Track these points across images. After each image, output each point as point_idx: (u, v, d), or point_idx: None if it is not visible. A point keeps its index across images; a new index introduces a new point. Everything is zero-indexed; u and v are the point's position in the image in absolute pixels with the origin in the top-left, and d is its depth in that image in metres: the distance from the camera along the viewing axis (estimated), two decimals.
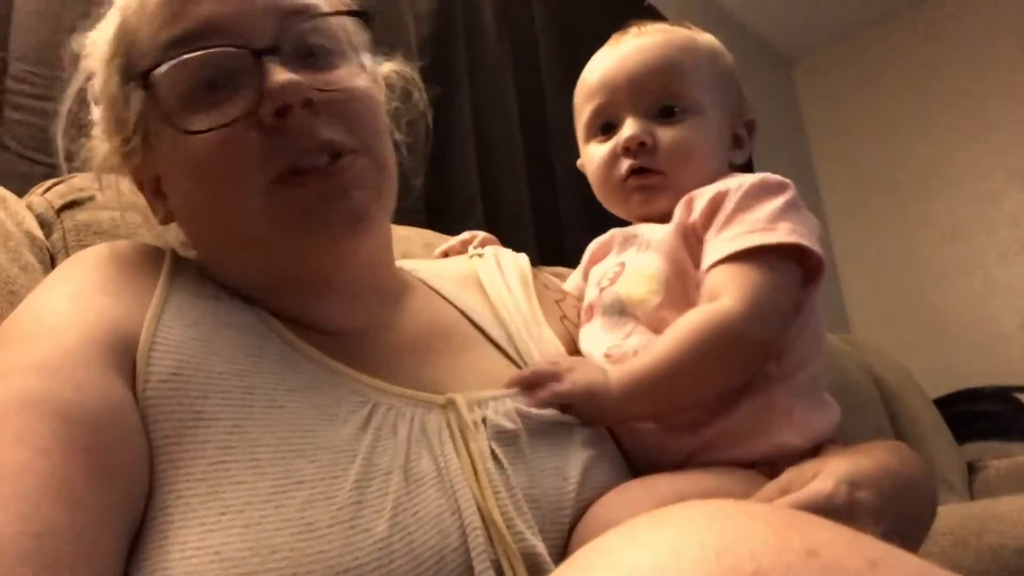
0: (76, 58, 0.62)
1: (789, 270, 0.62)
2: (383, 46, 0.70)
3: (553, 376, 0.60)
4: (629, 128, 0.70)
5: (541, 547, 0.50)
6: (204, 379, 0.50)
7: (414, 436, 0.53)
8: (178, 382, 0.49)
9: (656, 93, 0.70)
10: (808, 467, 0.56)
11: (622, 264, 0.70)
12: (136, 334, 0.51)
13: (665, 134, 0.69)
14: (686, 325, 0.61)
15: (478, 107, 1.74)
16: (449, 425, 0.54)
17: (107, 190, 0.71)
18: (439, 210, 1.51)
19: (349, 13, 0.61)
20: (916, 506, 0.58)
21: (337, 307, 0.61)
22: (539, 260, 1.54)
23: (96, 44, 0.61)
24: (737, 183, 0.66)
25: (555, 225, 1.86)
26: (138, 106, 0.57)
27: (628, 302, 0.67)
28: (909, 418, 2.02)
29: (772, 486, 0.55)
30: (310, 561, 0.43)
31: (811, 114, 3.64)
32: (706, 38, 0.76)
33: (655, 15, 2.60)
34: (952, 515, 1.21)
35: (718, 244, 0.63)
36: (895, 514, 0.53)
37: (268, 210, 0.54)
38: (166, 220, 0.62)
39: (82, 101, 0.64)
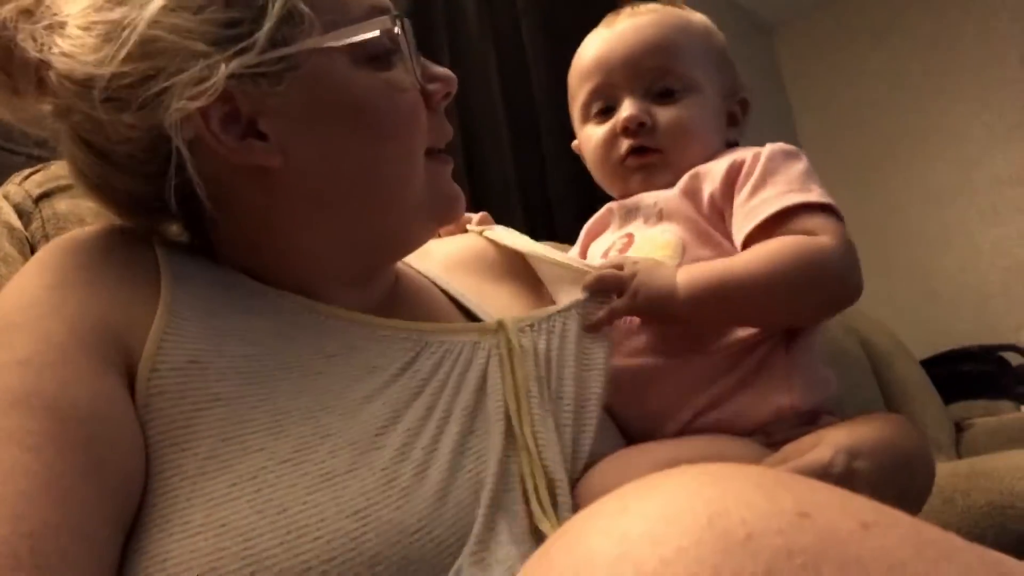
0: None
1: (843, 227, 0.63)
2: None
3: (617, 284, 0.61)
4: (628, 108, 0.70)
5: (563, 476, 0.53)
6: (226, 363, 0.49)
7: (456, 372, 0.55)
8: (195, 369, 0.49)
9: (653, 72, 0.70)
10: (807, 439, 0.57)
11: (629, 235, 0.70)
12: (132, 324, 0.50)
13: (663, 113, 0.70)
14: (779, 244, 0.60)
15: (460, 87, 1.72)
16: (499, 349, 0.56)
17: None
18: None
19: None
20: (912, 477, 0.59)
21: (339, 290, 0.61)
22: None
23: None
24: (751, 153, 0.67)
25: (544, 203, 1.85)
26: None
27: None
28: (897, 379, 2.04)
29: (772, 459, 0.56)
30: (321, 511, 0.43)
31: (792, 81, 3.63)
32: (699, 18, 0.76)
33: None
34: (940, 473, 1.21)
35: (762, 204, 0.63)
36: (892, 484, 0.54)
37: (427, 182, 0.60)
38: (239, 167, 0.54)
39: None
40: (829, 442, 0.54)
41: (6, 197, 0.80)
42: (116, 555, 0.42)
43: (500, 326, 0.58)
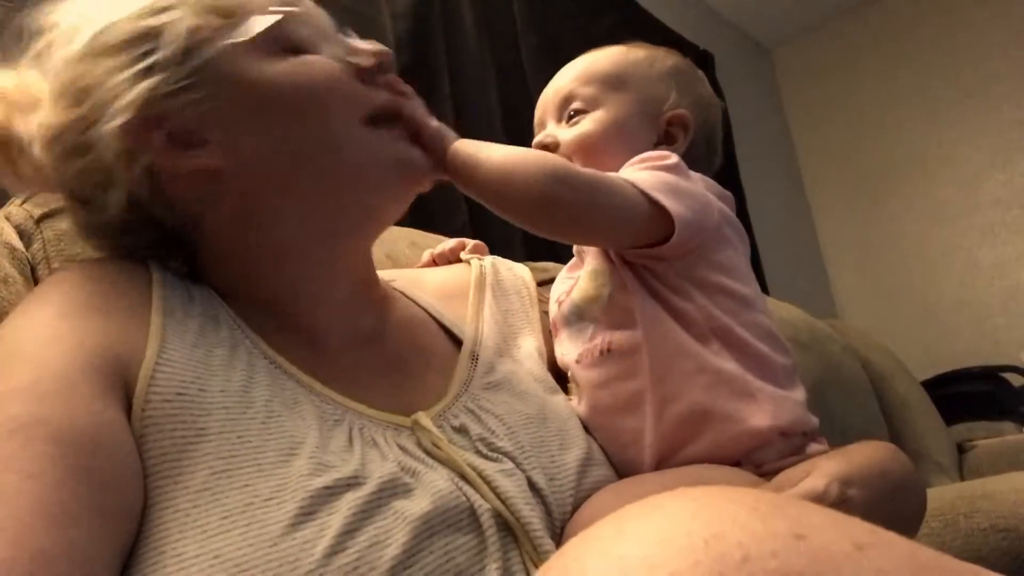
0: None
1: (637, 200, 0.64)
2: None
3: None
4: (538, 136, 0.77)
5: (531, 516, 0.52)
6: (208, 397, 0.50)
7: (395, 448, 0.54)
8: (182, 401, 0.49)
9: (567, 98, 0.77)
10: (799, 467, 0.58)
11: (576, 277, 0.73)
12: (129, 355, 0.50)
13: (566, 133, 0.75)
14: (541, 153, 0.67)
15: (459, 105, 1.74)
16: (421, 444, 0.55)
17: None
18: (423, 208, 1.50)
19: None
20: (906, 504, 0.60)
21: (332, 314, 0.62)
22: (527, 256, 1.54)
23: None
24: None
25: None
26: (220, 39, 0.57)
27: (583, 304, 0.70)
28: (898, 401, 2.03)
29: (766, 488, 0.56)
30: (312, 546, 0.43)
31: (792, 101, 3.66)
32: (643, 50, 0.80)
33: (633, 8, 2.60)
34: (942, 496, 1.21)
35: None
36: (885, 512, 0.54)
37: (370, 147, 0.60)
38: (194, 179, 0.58)
39: None
40: (822, 471, 0.54)
41: (7, 218, 0.80)
42: None
43: (415, 423, 0.57)
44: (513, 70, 1.95)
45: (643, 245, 0.65)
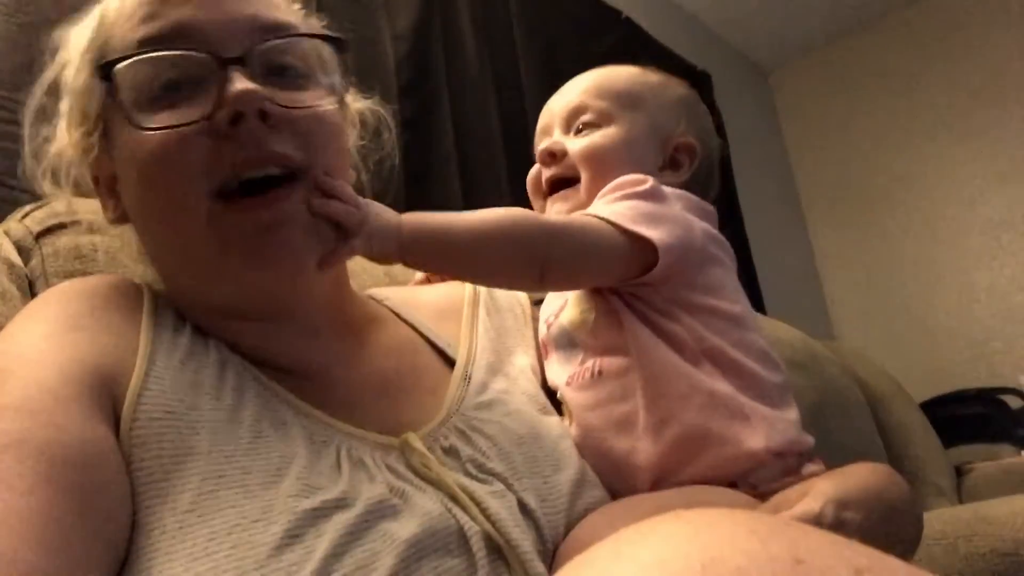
0: (54, 50, 0.63)
1: (616, 239, 0.64)
2: (361, 66, 0.71)
3: (351, 221, 0.57)
4: (545, 141, 0.77)
5: (519, 536, 0.51)
6: (196, 416, 0.50)
7: (384, 470, 0.53)
8: (170, 420, 0.49)
9: (572, 111, 0.77)
10: (795, 489, 0.57)
11: (566, 299, 0.73)
12: (119, 373, 0.50)
13: (575, 143, 0.76)
14: (505, 210, 0.64)
15: (459, 125, 1.74)
16: (410, 465, 0.54)
17: (86, 213, 0.71)
18: None
19: (324, 38, 0.61)
20: (902, 527, 0.59)
21: (296, 343, 0.61)
22: None
23: (74, 36, 0.62)
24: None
25: None
26: (101, 98, 0.58)
27: (572, 328, 0.70)
28: (896, 423, 2.02)
29: (761, 509, 0.55)
30: (298, 569, 0.43)
31: (789, 123, 3.67)
32: (658, 75, 0.81)
33: (632, 28, 2.62)
34: (941, 519, 1.21)
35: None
36: (881, 534, 0.54)
37: (212, 233, 0.53)
38: (118, 220, 0.63)
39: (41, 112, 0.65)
40: (818, 493, 0.54)
41: (7, 233, 0.80)
42: None
43: (404, 443, 0.55)
44: (513, 89, 1.96)
45: (630, 277, 0.65)
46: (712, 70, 3.00)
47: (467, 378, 0.66)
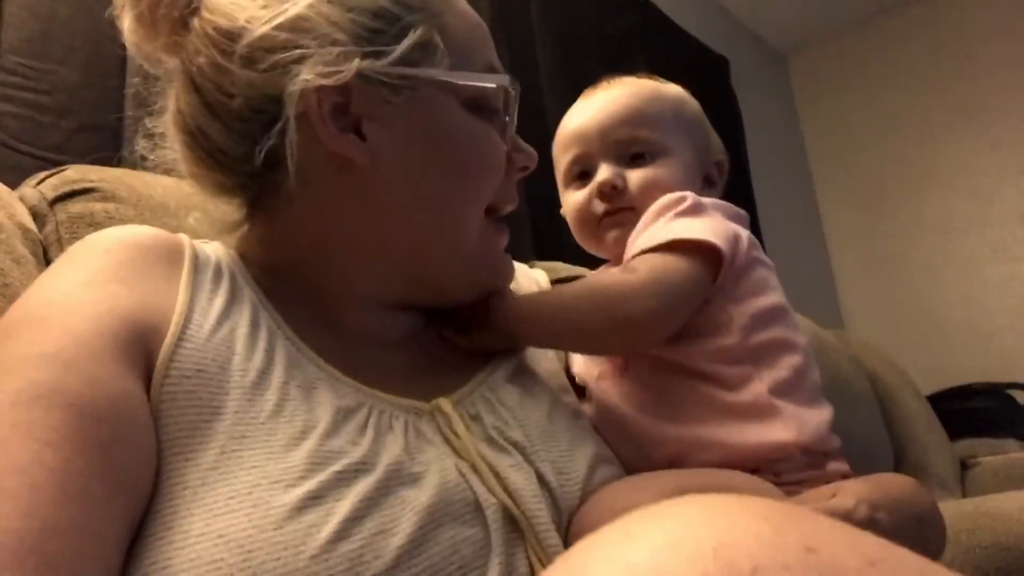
0: None
1: (691, 262, 0.65)
2: None
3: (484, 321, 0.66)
4: (603, 173, 0.76)
5: (538, 507, 0.52)
6: (226, 376, 0.50)
7: (411, 435, 0.54)
8: (201, 378, 0.49)
9: (625, 141, 0.76)
10: (824, 488, 0.58)
11: None
12: (154, 327, 0.50)
13: (635, 175, 0.75)
14: (592, 282, 0.68)
15: None
16: (439, 430, 0.55)
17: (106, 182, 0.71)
18: None
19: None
20: (927, 539, 0.60)
21: (372, 319, 0.63)
22: (536, 255, 1.53)
23: None
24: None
25: (553, 222, 1.86)
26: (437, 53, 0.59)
27: None
28: (902, 415, 2.02)
29: (791, 503, 0.56)
30: (318, 531, 0.43)
31: (806, 110, 3.64)
32: (672, 88, 0.82)
33: (651, 11, 2.60)
34: (945, 513, 1.21)
35: (631, 248, 0.70)
36: (908, 543, 0.54)
37: (482, 238, 0.63)
38: (327, 158, 0.58)
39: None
40: (851, 492, 0.55)
41: (22, 199, 0.80)
42: (121, 557, 0.42)
43: (436, 408, 0.57)
44: (529, 69, 1.95)
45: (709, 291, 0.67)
46: (730, 55, 2.98)
47: (497, 355, 0.67)
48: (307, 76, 0.54)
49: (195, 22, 0.58)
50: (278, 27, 0.55)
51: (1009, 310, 3.01)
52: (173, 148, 0.63)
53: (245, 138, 0.58)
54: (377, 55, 0.56)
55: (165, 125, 0.63)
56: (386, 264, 0.61)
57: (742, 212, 0.75)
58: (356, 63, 0.55)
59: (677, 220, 0.68)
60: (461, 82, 0.60)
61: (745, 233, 0.71)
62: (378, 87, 0.57)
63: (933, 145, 3.24)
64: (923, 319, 3.17)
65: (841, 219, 3.46)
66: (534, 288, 0.82)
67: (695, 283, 0.65)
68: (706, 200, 0.72)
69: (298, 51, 0.55)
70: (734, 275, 0.67)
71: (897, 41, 3.37)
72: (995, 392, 2.53)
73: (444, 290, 0.65)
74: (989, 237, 3.09)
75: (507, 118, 0.64)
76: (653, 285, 0.63)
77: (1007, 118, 3.07)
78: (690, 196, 0.70)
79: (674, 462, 0.64)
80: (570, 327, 0.65)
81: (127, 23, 0.60)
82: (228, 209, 0.65)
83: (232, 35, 0.55)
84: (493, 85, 0.62)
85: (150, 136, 0.64)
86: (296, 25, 0.55)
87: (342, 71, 0.54)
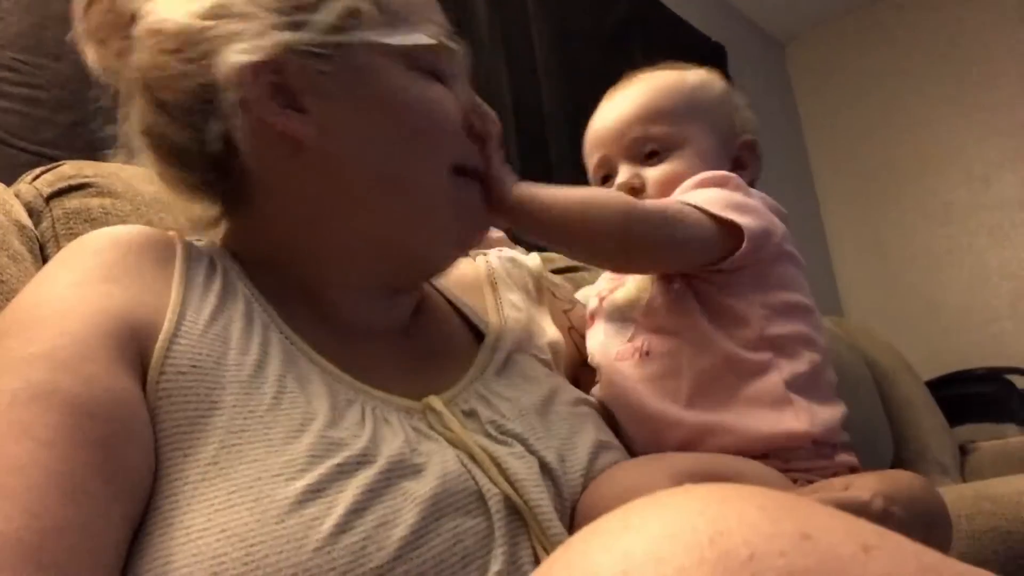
0: None
1: (703, 223, 0.66)
2: None
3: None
4: (621, 175, 0.76)
5: (540, 496, 0.52)
6: (222, 371, 0.50)
7: (408, 429, 0.54)
8: (197, 374, 0.49)
9: (639, 139, 0.76)
10: (837, 480, 0.59)
11: (623, 280, 0.75)
12: (148, 324, 0.51)
13: (652, 173, 0.75)
14: (607, 193, 0.69)
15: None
16: (432, 427, 0.55)
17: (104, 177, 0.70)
18: None
19: None
20: (937, 535, 0.60)
21: (363, 307, 0.63)
22: (536, 246, 1.53)
23: None
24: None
25: None
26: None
27: (625, 306, 0.72)
28: (902, 400, 2.03)
29: (805, 491, 0.57)
30: (320, 523, 0.43)
31: (804, 96, 3.64)
32: (691, 75, 0.81)
33: (651, 2, 2.59)
34: (945, 498, 1.21)
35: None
36: (919, 539, 0.54)
37: (449, 194, 0.61)
38: (276, 141, 0.58)
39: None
40: (865, 485, 0.55)
41: (17, 195, 0.80)
42: (122, 555, 0.43)
43: (427, 407, 0.57)
44: (525, 59, 1.94)
45: (711, 263, 0.67)
46: (726, 42, 2.97)
47: (493, 350, 0.68)
48: (234, 58, 0.55)
49: (135, 28, 0.59)
50: (201, 15, 0.56)
51: (1007, 295, 3.02)
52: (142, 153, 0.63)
53: (196, 131, 0.58)
54: (301, 26, 0.56)
55: (131, 131, 0.63)
56: (361, 243, 0.61)
57: (783, 210, 0.76)
58: (281, 36, 0.55)
59: (716, 189, 0.69)
60: (392, 42, 0.59)
61: (781, 226, 0.72)
62: (310, 59, 0.57)
63: (931, 131, 3.23)
64: (921, 305, 3.17)
65: (839, 206, 3.46)
66: (523, 278, 0.81)
67: (699, 242, 0.66)
68: (753, 191, 0.73)
69: (221, 34, 0.55)
70: (760, 262, 0.68)
71: (894, 28, 3.36)
72: (994, 377, 2.54)
73: (424, 259, 0.65)
74: (987, 223, 3.09)
75: (453, 75, 0.63)
76: (663, 215, 0.65)
77: (1005, 104, 3.07)
78: (734, 176, 0.71)
79: (686, 446, 0.64)
80: (572, 216, 0.65)
81: (82, 40, 0.62)
82: (202, 207, 0.65)
83: (162, 32, 0.57)
84: (426, 42, 0.61)
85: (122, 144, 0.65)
86: (217, 11, 0.56)
87: (266, 46, 0.55)
